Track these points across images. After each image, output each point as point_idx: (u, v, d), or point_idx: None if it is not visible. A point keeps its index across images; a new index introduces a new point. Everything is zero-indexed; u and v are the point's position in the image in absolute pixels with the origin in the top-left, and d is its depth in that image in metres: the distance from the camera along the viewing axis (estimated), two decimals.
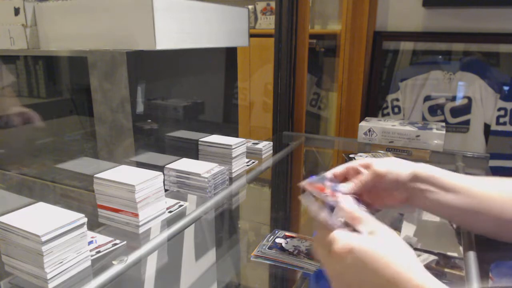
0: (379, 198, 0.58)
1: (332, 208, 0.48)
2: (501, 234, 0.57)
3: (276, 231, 0.69)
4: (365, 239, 0.42)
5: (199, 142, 0.90)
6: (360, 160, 0.59)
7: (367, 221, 0.45)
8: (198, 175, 0.76)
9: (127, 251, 0.59)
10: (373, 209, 0.59)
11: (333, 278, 0.44)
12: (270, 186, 1.03)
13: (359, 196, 0.56)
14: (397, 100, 1.69)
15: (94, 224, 0.65)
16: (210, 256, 0.70)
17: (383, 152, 1.09)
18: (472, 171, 1.02)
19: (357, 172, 0.58)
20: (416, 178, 0.56)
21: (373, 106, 1.76)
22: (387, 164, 0.57)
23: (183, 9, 0.76)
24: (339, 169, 0.59)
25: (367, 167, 0.57)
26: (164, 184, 0.67)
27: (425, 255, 0.71)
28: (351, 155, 1.05)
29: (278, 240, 0.64)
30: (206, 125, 0.97)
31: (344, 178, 0.59)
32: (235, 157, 0.88)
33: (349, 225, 0.46)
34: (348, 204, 0.47)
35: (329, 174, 0.58)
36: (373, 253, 0.41)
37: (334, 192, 0.51)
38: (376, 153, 1.07)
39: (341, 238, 0.43)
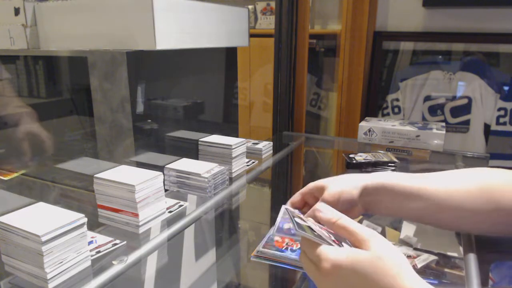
0: None
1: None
2: (466, 227, 0.58)
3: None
4: (353, 252, 0.41)
5: (199, 142, 0.90)
6: (313, 184, 0.60)
7: (355, 230, 0.44)
8: (198, 175, 0.76)
9: (127, 251, 0.59)
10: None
11: None
12: (270, 186, 1.03)
13: None
14: (397, 100, 1.69)
15: (94, 224, 0.65)
16: (210, 256, 0.70)
17: (383, 152, 1.09)
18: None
19: (313, 195, 0.59)
20: (366, 192, 0.58)
21: (373, 106, 1.76)
22: (340, 185, 0.57)
23: (183, 9, 0.76)
24: (296, 197, 0.61)
25: (321, 189, 0.58)
26: (164, 184, 0.67)
27: (425, 255, 0.71)
28: (351, 155, 1.05)
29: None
30: (206, 125, 0.97)
31: (303, 203, 0.61)
32: (235, 157, 0.88)
33: (335, 238, 0.45)
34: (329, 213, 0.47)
35: (288, 205, 0.60)
36: (364, 266, 0.40)
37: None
38: (376, 153, 1.07)
39: (328, 255, 0.41)
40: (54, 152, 0.88)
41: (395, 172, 0.60)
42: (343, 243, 0.44)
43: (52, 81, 0.86)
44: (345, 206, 0.57)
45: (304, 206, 0.61)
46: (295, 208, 0.60)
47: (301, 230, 0.44)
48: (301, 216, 0.53)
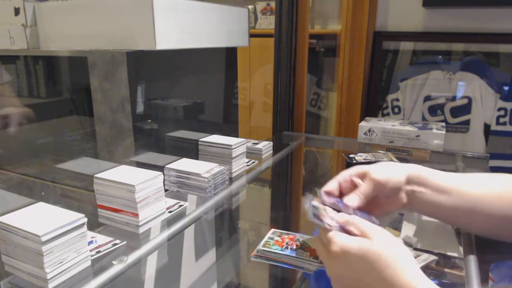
0: (378, 205, 0.56)
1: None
2: (496, 233, 0.57)
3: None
4: (361, 240, 0.43)
5: (199, 142, 0.90)
6: (353, 170, 0.56)
7: (365, 224, 0.45)
8: (198, 175, 0.76)
9: (127, 251, 0.59)
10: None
11: (332, 277, 0.45)
12: (270, 186, 1.03)
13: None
14: (397, 100, 1.69)
15: (94, 224, 0.65)
16: (210, 256, 0.70)
17: (383, 152, 1.09)
18: (472, 171, 1.02)
19: (351, 183, 0.56)
20: (410, 181, 0.55)
21: (373, 106, 1.76)
22: (386, 170, 0.54)
23: (183, 9, 0.76)
24: (332, 185, 0.56)
25: (363, 176, 0.55)
26: (164, 184, 0.67)
27: (425, 255, 0.70)
28: (351, 155, 1.05)
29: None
30: (206, 125, 0.97)
31: (339, 192, 0.56)
32: (235, 157, 0.88)
33: (346, 228, 0.47)
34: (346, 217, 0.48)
35: (323, 193, 0.55)
36: (369, 254, 0.41)
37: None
38: (376, 153, 1.07)
39: (338, 239, 0.44)
40: (53, 152, 0.88)
41: (428, 168, 0.57)
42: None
43: (52, 81, 0.86)
44: (390, 193, 0.54)
45: (339, 196, 0.56)
46: (330, 197, 0.54)
47: (315, 219, 0.47)
48: (341, 203, 0.52)
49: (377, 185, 0.53)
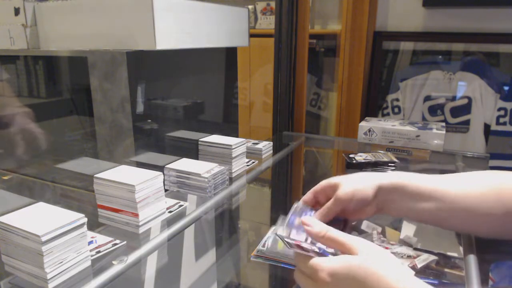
0: (352, 214, 0.58)
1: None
2: (480, 230, 0.58)
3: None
4: (347, 258, 0.42)
5: (199, 142, 0.90)
6: (324, 182, 0.59)
7: (346, 238, 0.45)
8: (198, 175, 0.76)
9: (127, 251, 0.59)
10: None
11: None
12: (270, 186, 1.03)
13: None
14: (397, 100, 1.69)
15: (94, 224, 0.65)
16: (210, 256, 0.70)
17: (383, 152, 1.09)
18: (472, 171, 1.02)
19: (326, 193, 0.58)
20: (381, 191, 0.56)
21: (373, 106, 1.76)
22: (353, 183, 0.56)
23: (183, 9, 0.76)
24: (308, 196, 0.60)
25: (333, 187, 0.57)
26: (164, 184, 0.67)
27: (425, 255, 0.70)
28: (351, 155, 1.05)
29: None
30: (206, 125, 0.97)
31: (315, 201, 0.60)
32: (235, 157, 0.88)
33: (331, 250, 0.46)
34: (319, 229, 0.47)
35: (300, 203, 0.59)
36: (360, 271, 0.41)
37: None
38: (376, 153, 1.07)
39: (323, 264, 0.43)
40: (53, 152, 0.88)
41: (407, 172, 0.59)
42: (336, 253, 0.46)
43: (52, 81, 0.86)
44: (359, 205, 0.56)
45: (316, 204, 0.60)
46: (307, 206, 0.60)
47: (294, 248, 0.46)
48: (311, 213, 0.56)
49: (342, 202, 0.55)
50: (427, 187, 0.55)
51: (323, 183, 0.59)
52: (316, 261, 0.43)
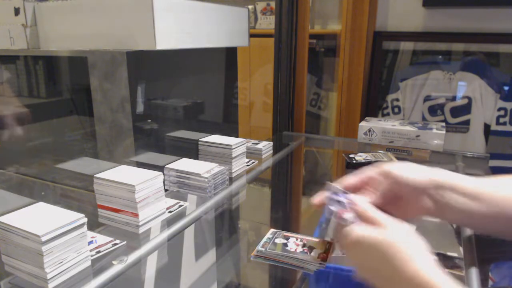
0: (399, 209, 0.53)
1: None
2: None
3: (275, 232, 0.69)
4: (375, 230, 0.45)
5: (199, 142, 0.90)
6: (375, 168, 0.54)
7: (379, 214, 0.47)
8: (198, 175, 0.76)
9: (127, 251, 0.59)
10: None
11: (356, 268, 0.48)
12: (270, 186, 1.03)
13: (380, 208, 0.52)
14: (397, 100, 1.69)
15: (94, 224, 0.65)
16: (210, 256, 0.70)
17: (383, 152, 1.09)
18: (472, 171, 1.02)
19: (369, 181, 0.54)
20: (438, 186, 0.52)
21: (373, 106, 1.76)
22: (406, 170, 0.52)
23: (183, 9, 0.76)
24: (352, 180, 0.55)
25: (385, 175, 0.53)
26: (164, 184, 0.67)
27: None
28: (351, 155, 1.05)
29: (278, 241, 0.64)
30: (206, 125, 0.97)
31: (357, 189, 0.55)
32: (235, 157, 0.88)
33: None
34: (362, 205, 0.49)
35: (339, 186, 0.54)
36: (383, 242, 0.43)
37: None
38: (376, 153, 1.07)
39: (354, 230, 0.47)
40: (53, 152, 0.88)
41: (455, 173, 0.54)
42: None
43: (52, 81, 0.86)
44: (414, 194, 0.52)
45: (359, 190, 0.55)
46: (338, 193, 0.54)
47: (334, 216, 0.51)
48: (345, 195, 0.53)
49: (397, 184, 0.51)
50: (477, 188, 0.52)
51: (372, 171, 0.54)
52: (351, 227, 0.48)
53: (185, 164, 0.81)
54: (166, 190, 0.78)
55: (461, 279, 0.59)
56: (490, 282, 0.60)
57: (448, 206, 0.52)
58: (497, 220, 0.52)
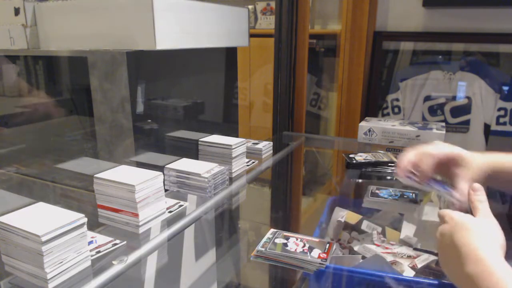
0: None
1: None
2: None
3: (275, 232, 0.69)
4: (464, 217, 0.52)
5: (199, 142, 0.90)
6: (442, 153, 0.64)
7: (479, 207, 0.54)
8: (198, 175, 0.76)
9: (127, 251, 0.59)
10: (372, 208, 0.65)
11: (439, 251, 0.54)
12: (270, 186, 1.03)
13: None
14: (397, 100, 1.69)
15: (94, 224, 0.65)
16: (210, 256, 0.70)
17: (383, 152, 1.09)
18: None
19: (441, 164, 0.64)
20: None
21: (373, 106, 1.76)
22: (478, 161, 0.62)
23: (183, 9, 0.76)
24: (408, 159, 0.66)
25: (456, 161, 0.63)
26: (164, 184, 0.67)
27: (425, 255, 0.70)
28: (351, 155, 1.05)
29: (277, 241, 0.64)
30: (206, 125, 0.97)
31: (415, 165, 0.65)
32: (235, 157, 0.88)
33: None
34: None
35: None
36: (470, 223, 0.50)
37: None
38: (376, 153, 1.07)
39: (447, 217, 0.53)
40: (53, 152, 0.88)
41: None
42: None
43: (52, 81, 0.86)
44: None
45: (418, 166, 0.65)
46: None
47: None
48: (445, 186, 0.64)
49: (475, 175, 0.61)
50: None
51: (440, 154, 0.64)
52: (444, 212, 0.55)
53: (185, 164, 0.81)
54: (166, 190, 0.78)
55: None
56: None
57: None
58: None
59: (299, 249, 0.62)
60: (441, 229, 0.53)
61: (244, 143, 0.91)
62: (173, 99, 0.85)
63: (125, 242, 0.60)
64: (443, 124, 1.17)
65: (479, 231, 0.49)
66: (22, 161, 0.92)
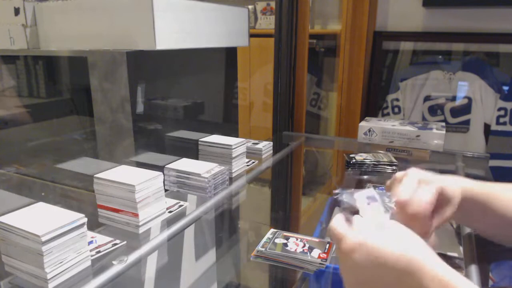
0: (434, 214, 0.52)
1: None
2: None
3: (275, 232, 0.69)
4: (372, 234, 0.41)
5: (199, 142, 0.90)
6: (434, 190, 0.51)
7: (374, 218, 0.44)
8: (198, 175, 0.76)
9: (127, 251, 0.59)
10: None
11: (343, 274, 0.43)
12: (270, 186, 1.03)
13: None
14: (397, 100, 1.69)
15: (94, 224, 0.65)
16: (210, 256, 0.70)
17: (383, 152, 1.09)
18: (472, 171, 1.02)
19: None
20: (469, 200, 0.52)
21: (373, 106, 1.76)
22: (452, 183, 0.52)
23: (183, 9, 0.76)
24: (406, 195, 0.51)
25: (446, 200, 0.52)
26: (164, 184, 0.67)
27: None
28: (351, 155, 1.05)
29: (277, 241, 0.64)
30: (206, 125, 0.97)
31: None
32: (235, 157, 0.88)
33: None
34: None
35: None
36: (382, 246, 0.40)
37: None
38: (376, 153, 1.07)
39: (347, 236, 0.42)
40: (53, 152, 0.88)
41: (483, 182, 0.54)
42: None
43: (52, 81, 0.86)
44: (444, 203, 0.51)
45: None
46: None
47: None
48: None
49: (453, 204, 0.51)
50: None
51: (433, 191, 0.51)
52: (343, 231, 0.44)
53: (185, 164, 0.81)
54: (166, 190, 0.78)
55: None
56: (490, 282, 0.60)
57: (475, 218, 0.53)
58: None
59: (299, 249, 0.62)
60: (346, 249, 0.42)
61: (244, 143, 0.91)
62: (173, 99, 0.85)
63: (125, 242, 0.60)
64: (443, 124, 1.17)
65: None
66: (22, 161, 0.92)
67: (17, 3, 0.77)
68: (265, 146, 1.05)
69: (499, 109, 1.54)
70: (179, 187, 0.79)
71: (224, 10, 0.90)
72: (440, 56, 1.64)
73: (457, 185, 0.52)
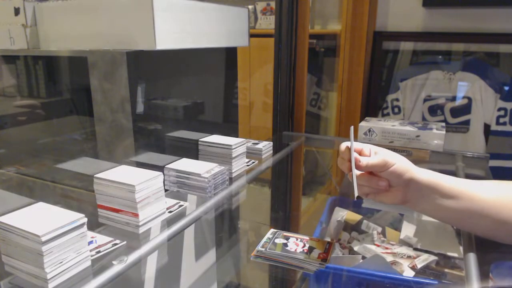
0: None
1: None
2: (499, 237, 0.58)
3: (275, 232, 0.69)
4: None
5: (199, 142, 0.90)
6: (371, 146, 0.63)
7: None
8: (198, 175, 0.76)
9: (127, 251, 0.59)
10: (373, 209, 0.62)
11: None
12: (270, 186, 1.03)
13: None
14: (397, 100, 1.69)
15: (94, 224, 0.65)
16: (210, 256, 0.70)
17: None
18: (472, 171, 1.02)
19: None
20: (415, 183, 0.58)
21: (373, 106, 1.76)
22: (395, 157, 0.59)
23: (183, 9, 0.76)
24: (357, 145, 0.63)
25: (375, 152, 0.61)
26: (164, 184, 0.67)
27: (425, 255, 0.71)
28: None
29: (277, 241, 0.64)
30: (206, 125, 0.96)
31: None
32: (235, 157, 0.88)
33: None
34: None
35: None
36: None
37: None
38: None
39: None
40: (53, 152, 0.88)
41: (436, 172, 0.60)
42: None
43: (52, 81, 0.86)
44: (389, 178, 0.58)
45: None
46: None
47: None
48: None
49: (382, 163, 0.58)
50: (455, 188, 0.57)
51: (370, 146, 0.63)
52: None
53: (185, 164, 0.81)
54: (166, 190, 0.78)
55: (461, 279, 0.59)
56: (490, 282, 0.60)
57: (422, 201, 0.58)
58: (477, 219, 0.56)
59: (299, 249, 0.62)
60: None
61: (244, 143, 0.91)
62: (173, 99, 0.85)
63: (125, 242, 0.60)
64: (443, 124, 1.17)
65: None
66: (22, 161, 0.92)
67: (17, 3, 0.77)
68: (265, 146, 1.05)
69: (499, 109, 1.54)
70: (179, 187, 0.79)
71: (224, 10, 0.90)
72: (440, 56, 1.64)
73: (405, 165, 0.59)
